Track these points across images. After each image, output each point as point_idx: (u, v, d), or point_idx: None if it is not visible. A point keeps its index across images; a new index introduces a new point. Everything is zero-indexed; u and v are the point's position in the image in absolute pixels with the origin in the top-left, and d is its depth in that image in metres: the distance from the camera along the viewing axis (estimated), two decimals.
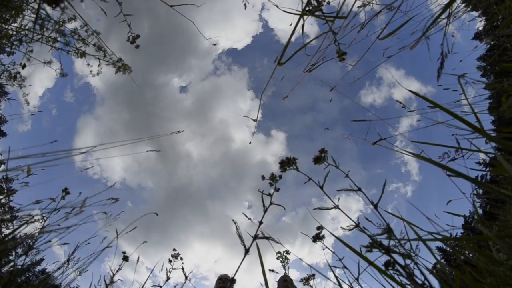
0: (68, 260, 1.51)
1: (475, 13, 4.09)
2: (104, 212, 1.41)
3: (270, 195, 1.29)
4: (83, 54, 3.11)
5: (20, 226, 1.47)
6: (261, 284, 1.07)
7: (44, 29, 2.82)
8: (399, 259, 1.21)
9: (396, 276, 1.13)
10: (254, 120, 1.20)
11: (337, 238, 1.11)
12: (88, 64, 3.21)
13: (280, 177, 1.28)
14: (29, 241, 1.62)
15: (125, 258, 1.62)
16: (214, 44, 2.63)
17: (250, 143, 1.42)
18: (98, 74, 3.22)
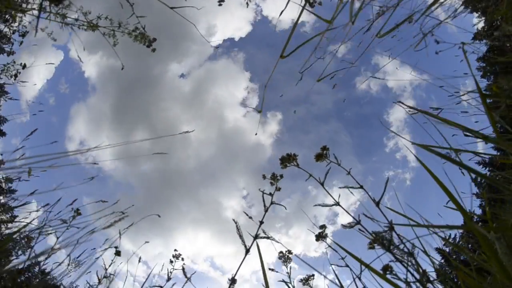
0: (69, 264, 1.51)
1: (475, 14, 4.10)
2: (110, 219, 1.41)
3: (271, 194, 1.29)
4: (95, 27, 3.06)
5: (20, 230, 1.48)
6: (262, 285, 1.07)
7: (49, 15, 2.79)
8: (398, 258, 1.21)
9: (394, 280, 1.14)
10: (259, 112, 1.21)
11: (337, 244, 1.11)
12: (104, 34, 3.15)
13: (281, 176, 1.29)
14: (29, 243, 1.63)
15: (118, 253, 1.64)
16: (217, 47, 2.65)
17: (256, 134, 1.44)
18: (115, 45, 3.17)
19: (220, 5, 2.51)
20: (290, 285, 1.28)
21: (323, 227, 1.29)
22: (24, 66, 4.20)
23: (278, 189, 1.29)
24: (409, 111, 1.20)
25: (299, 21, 1.09)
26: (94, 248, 1.60)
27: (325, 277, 1.25)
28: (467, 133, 0.98)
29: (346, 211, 1.37)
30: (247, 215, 1.25)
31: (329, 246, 1.26)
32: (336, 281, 1.11)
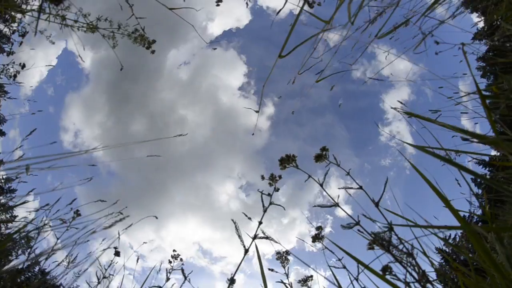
0: (68, 262, 1.51)
1: (475, 14, 4.10)
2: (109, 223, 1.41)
3: (269, 195, 1.29)
4: (95, 28, 3.08)
5: (19, 230, 1.48)
6: (260, 285, 1.07)
7: (48, 15, 2.80)
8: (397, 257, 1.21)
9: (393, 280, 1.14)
10: (257, 112, 1.21)
11: (335, 243, 1.11)
12: (104, 36, 3.17)
13: (280, 177, 1.29)
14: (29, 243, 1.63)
15: (117, 254, 1.65)
16: (214, 49, 2.66)
17: (252, 134, 1.45)
18: (114, 47, 3.19)
19: (217, 5, 2.52)
20: (287, 285, 1.28)
21: (319, 228, 1.29)
22: (23, 66, 4.21)
23: (276, 189, 1.29)
24: (406, 114, 1.20)
25: (295, 11, 1.09)
26: (89, 240, 1.60)
27: (324, 277, 1.25)
28: (466, 136, 0.98)
29: (346, 212, 1.37)
30: (245, 215, 1.25)
31: (326, 247, 1.26)
32: (334, 279, 1.11)
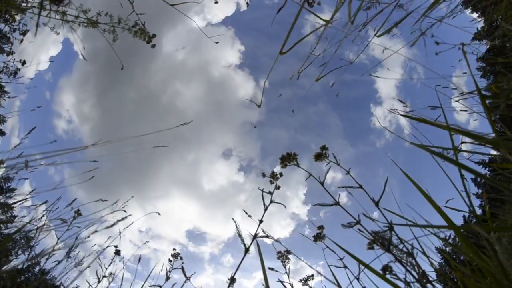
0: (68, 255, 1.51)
1: (475, 14, 4.10)
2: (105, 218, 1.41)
3: (270, 193, 1.29)
4: (95, 24, 3.09)
5: (20, 229, 1.47)
6: (262, 284, 1.07)
7: (49, 12, 2.80)
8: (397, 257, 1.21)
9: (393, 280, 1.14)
10: (259, 106, 1.22)
11: (337, 245, 1.11)
12: (104, 30, 3.18)
13: (281, 174, 1.29)
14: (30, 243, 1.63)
15: (117, 252, 1.65)
16: (217, 42, 2.68)
17: (255, 127, 1.46)
18: (114, 41, 3.20)
19: (216, 2, 2.52)
20: (288, 284, 1.28)
21: (321, 227, 1.29)
22: (23, 63, 4.21)
23: (277, 187, 1.29)
24: (402, 112, 1.20)
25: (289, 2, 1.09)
26: (89, 237, 1.60)
27: (325, 277, 1.25)
28: (465, 136, 0.98)
29: (347, 212, 1.37)
30: (246, 213, 1.25)
31: (328, 247, 1.26)
32: (332, 277, 1.11)
